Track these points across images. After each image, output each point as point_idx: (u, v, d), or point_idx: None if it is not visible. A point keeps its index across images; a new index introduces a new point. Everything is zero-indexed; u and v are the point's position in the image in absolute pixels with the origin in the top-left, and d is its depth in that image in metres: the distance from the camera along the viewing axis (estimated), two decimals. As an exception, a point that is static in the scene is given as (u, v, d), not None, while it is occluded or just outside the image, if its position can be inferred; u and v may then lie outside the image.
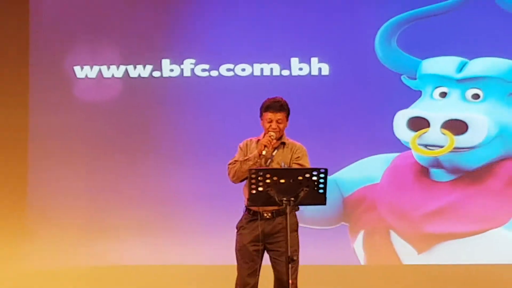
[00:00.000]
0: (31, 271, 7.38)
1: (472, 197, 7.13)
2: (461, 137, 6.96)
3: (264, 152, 5.10)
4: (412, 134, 7.04)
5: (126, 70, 7.47)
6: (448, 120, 7.00)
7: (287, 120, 5.19)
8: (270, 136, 5.14)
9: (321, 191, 4.67)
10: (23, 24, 7.60)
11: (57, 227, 7.38)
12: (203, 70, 7.41)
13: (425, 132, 7.02)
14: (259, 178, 4.66)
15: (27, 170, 7.50)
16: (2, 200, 7.40)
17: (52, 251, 7.38)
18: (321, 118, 7.13)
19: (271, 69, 7.35)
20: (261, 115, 5.19)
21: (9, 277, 7.10)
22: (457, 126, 6.95)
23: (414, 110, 7.09)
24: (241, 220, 5.26)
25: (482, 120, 7.08)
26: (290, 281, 4.66)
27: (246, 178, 4.99)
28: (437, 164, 7.06)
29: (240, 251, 5.23)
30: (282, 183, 4.58)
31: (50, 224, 7.44)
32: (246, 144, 5.29)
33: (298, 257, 5.04)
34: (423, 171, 7.23)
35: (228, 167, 5.24)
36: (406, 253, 7.17)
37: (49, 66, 7.58)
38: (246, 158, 5.24)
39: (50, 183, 7.47)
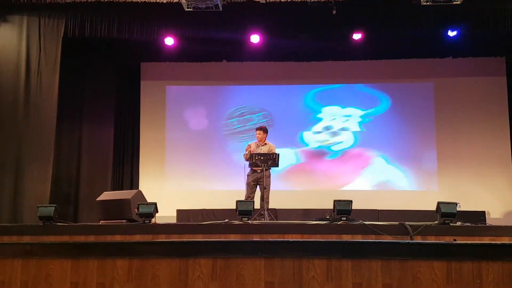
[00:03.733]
0: (170, 190, 8.50)
1: (339, 161, 8.60)
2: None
3: (246, 152, 6.49)
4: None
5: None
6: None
7: (265, 134, 6.65)
8: (246, 149, 6.53)
9: (277, 161, 6.27)
10: (163, 101, 8.77)
11: (178, 173, 8.61)
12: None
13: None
14: (255, 157, 6.23)
15: (165, 153, 8.65)
16: (155, 165, 8.63)
17: (179, 182, 8.59)
18: (281, 131, 8.37)
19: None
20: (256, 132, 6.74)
21: (159, 194, 7.78)
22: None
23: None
24: (248, 173, 6.59)
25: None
26: (265, 196, 6.25)
27: (249, 158, 6.34)
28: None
29: (248, 184, 6.58)
30: (262, 158, 6.24)
31: (177, 172, 8.64)
32: (249, 145, 6.66)
33: (269, 187, 6.38)
34: (319, 155, 8.65)
35: (244, 156, 6.58)
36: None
37: (176, 120, 8.81)
38: (245, 153, 6.51)
39: (181, 157, 8.60)
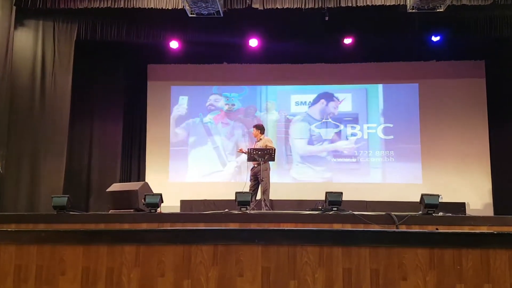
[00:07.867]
0: (174, 182, 8.48)
1: (331, 155, 8.51)
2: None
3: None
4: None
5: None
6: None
7: (259, 131, 6.68)
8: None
9: (273, 156, 6.33)
10: (168, 99, 8.73)
11: (182, 166, 8.60)
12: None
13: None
14: (253, 152, 6.30)
15: (169, 147, 8.62)
16: (160, 158, 8.59)
17: (183, 175, 8.61)
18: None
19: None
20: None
21: (164, 185, 7.85)
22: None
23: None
24: (251, 167, 6.64)
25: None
26: (262, 188, 6.31)
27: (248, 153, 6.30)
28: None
29: (250, 178, 6.62)
30: (260, 153, 6.27)
31: (180, 165, 8.59)
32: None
33: (266, 179, 6.38)
34: (313, 149, 8.53)
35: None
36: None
37: (180, 117, 8.73)
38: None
39: (184, 151, 8.53)
